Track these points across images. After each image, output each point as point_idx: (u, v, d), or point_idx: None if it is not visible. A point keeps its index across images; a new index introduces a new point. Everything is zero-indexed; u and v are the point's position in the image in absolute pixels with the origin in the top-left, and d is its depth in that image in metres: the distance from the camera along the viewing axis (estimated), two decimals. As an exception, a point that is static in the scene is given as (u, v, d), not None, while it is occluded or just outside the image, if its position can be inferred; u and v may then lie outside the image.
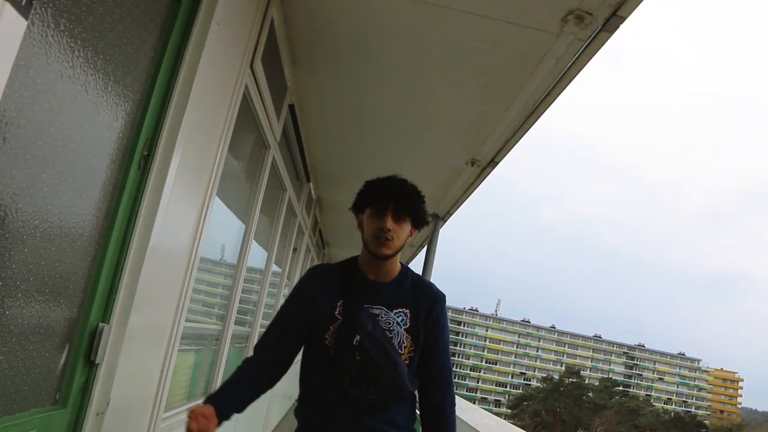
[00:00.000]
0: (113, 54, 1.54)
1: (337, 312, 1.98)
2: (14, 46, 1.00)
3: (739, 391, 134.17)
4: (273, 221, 4.72)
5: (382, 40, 3.13)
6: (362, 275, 2.06)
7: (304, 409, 2.05)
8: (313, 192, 6.55)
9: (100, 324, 1.71)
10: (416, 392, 2.08)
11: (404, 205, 1.98)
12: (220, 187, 2.68)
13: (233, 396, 1.95)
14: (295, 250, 6.63)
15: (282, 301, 5.87)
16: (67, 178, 1.45)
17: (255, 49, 2.56)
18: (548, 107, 3.50)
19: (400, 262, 2.12)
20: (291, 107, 3.77)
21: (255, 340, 4.85)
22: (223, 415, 1.84)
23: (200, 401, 2.89)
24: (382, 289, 2.03)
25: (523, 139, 4.21)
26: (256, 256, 4.53)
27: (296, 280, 7.11)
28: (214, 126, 2.29)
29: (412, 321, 2.02)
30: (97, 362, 1.71)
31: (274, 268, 5.43)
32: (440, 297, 2.10)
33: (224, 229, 3.36)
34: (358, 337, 1.93)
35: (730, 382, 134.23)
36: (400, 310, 2.02)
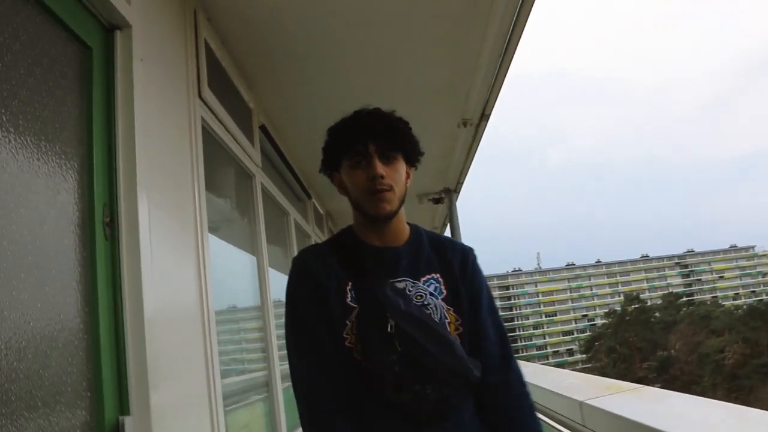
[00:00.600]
0: (35, 113, 1.35)
1: (349, 299, 1.46)
2: None
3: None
4: (286, 248, 4.53)
5: (326, 30, 2.93)
6: (365, 244, 1.56)
7: None
8: (319, 207, 6.36)
9: (120, 418, 1.52)
10: None
11: (389, 138, 1.51)
12: (217, 229, 2.50)
13: None
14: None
15: None
16: (26, 273, 1.26)
17: (198, 78, 2.37)
18: (518, 41, 3.27)
19: (409, 222, 1.63)
20: (263, 129, 3.58)
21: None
22: None
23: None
24: (397, 255, 1.53)
25: (508, 87, 4.00)
26: (280, 287, 4.34)
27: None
28: (179, 167, 2.10)
29: (448, 287, 1.52)
30: (129, 459, 1.52)
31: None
32: (468, 250, 1.64)
33: (236, 270, 3.17)
34: (391, 322, 1.41)
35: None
36: (428, 277, 1.52)
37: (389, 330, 1.41)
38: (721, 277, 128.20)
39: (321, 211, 6.54)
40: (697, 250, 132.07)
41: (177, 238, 2.00)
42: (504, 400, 1.52)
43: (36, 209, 1.35)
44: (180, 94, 2.19)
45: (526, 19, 2.92)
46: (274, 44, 3.00)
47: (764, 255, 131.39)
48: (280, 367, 3.54)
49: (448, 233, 6.78)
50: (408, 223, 1.62)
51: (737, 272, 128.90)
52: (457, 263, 1.57)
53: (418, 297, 1.49)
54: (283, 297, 4.52)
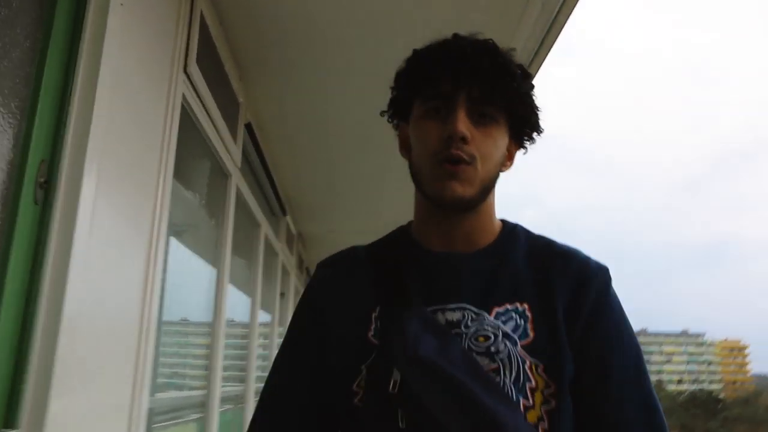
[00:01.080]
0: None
1: (371, 333, 0.97)
2: None
3: (747, 358, 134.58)
4: (251, 264, 4.17)
5: (332, 28, 2.65)
6: (419, 247, 1.04)
7: None
8: (292, 227, 6.01)
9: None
10: None
11: (496, 87, 0.96)
12: (179, 228, 2.16)
13: None
14: (282, 294, 6.06)
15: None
16: None
17: (187, 50, 2.06)
18: (540, 65, 3.05)
19: (502, 220, 1.08)
20: (248, 127, 3.26)
21: (251, 399, 4.25)
22: None
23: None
24: (458, 267, 1.00)
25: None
26: (238, 304, 3.97)
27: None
28: (146, 143, 1.77)
29: (539, 327, 0.94)
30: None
31: (263, 317, 4.86)
32: (597, 270, 1.01)
33: (192, 278, 2.81)
34: (396, 377, 0.90)
35: (737, 350, 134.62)
36: (507, 307, 0.95)
37: (390, 390, 0.90)
38: (669, 360, 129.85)
39: (293, 231, 6.19)
40: (650, 330, 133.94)
41: (128, 225, 1.66)
42: None
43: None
44: (162, 61, 1.87)
45: (556, 39, 2.69)
46: (275, 36, 2.70)
47: (712, 344, 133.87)
48: (222, 388, 3.15)
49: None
50: (504, 222, 1.08)
51: (685, 357, 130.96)
52: (567, 288, 0.97)
53: (481, 339, 0.92)
54: (239, 317, 4.08)
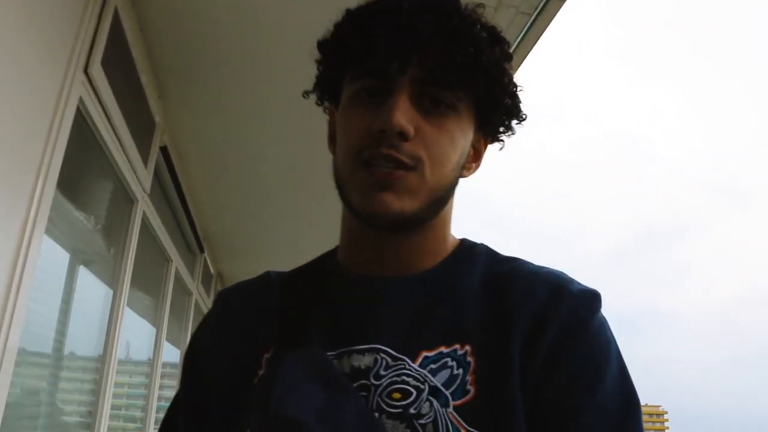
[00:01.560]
0: None
1: (257, 379, 0.75)
2: None
3: (665, 423, 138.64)
4: (159, 301, 3.80)
5: (270, 51, 2.47)
6: (340, 270, 0.81)
7: None
8: (210, 266, 5.65)
9: None
10: None
11: (451, 58, 0.68)
12: (72, 249, 1.87)
13: None
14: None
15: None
16: None
17: (91, 47, 1.81)
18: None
19: (462, 239, 0.83)
20: (164, 150, 2.99)
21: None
22: None
23: None
24: (383, 296, 0.75)
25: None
26: (137, 342, 3.60)
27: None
28: (20, 146, 1.49)
29: (481, 380, 0.67)
30: None
31: (170, 357, 4.46)
32: (579, 294, 0.72)
33: (82, 308, 2.47)
34: None
35: (656, 416, 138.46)
36: (440, 351, 0.69)
37: None
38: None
39: (212, 271, 5.82)
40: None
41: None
42: None
43: None
44: (55, 54, 1.62)
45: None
46: (204, 53, 2.49)
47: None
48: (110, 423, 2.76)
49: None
50: (463, 241, 0.82)
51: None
52: (526, 318, 0.69)
53: (396, 395, 0.66)
54: (138, 355, 3.69)
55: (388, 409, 0.65)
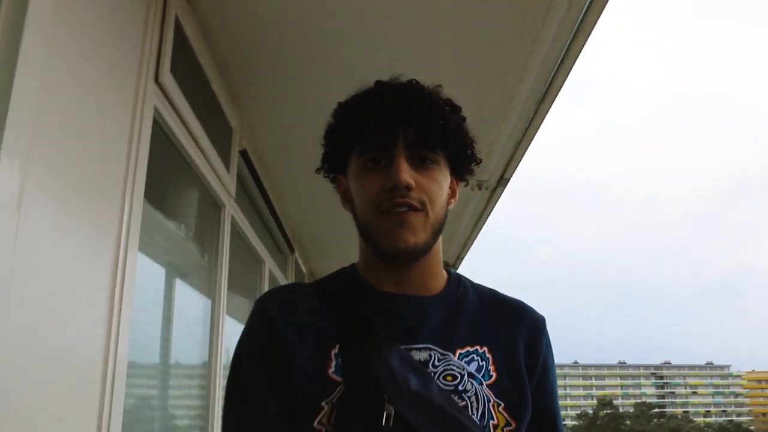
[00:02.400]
0: None
1: (331, 370, 0.95)
2: None
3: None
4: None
5: (340, 46, 2.40)
6: (371, 288, 1.05)
7: None
8: (302, 265, 5.70)
9: None
10: None
11: (430, 129, 0.99)
12: (163, 259, 1.88)
13: None
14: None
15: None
16: None
17: (158, 58, 1.79)
18: (560, 88, 2.76)
19: (447, 268, 1.11)
20: (244, 154, 2.99)
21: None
22: None
23: None
24: (421, 309, 1.02)
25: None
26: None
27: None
28: (102, 151, 1.48)
29: (501, 370, 1.00)
30: None
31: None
32: (541, 321, 1.11)
33: (184, 318, 2.50)
34: (389, 410, 0.90)
35: (765, 382, 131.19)
36: (470, 349, 1.00)
37: (384, 423, 0.89)
38: (694, 392, 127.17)
39: (303, 270, 5.89)
40: (673, 362, 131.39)
41: (78, 254, 1.37)
42: None
43: None
44: (127, 67, 1.61)
45: (579, 52, 2.41)
46: (271, 55, 2.44)
47: (738, 375, 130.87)
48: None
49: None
50: (447, 270, 1.11)
51: (710, 389, 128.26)
52: (523, 337, 1.05)
53: (449, 378, 0.96)
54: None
55: (446, 386, 0.95)
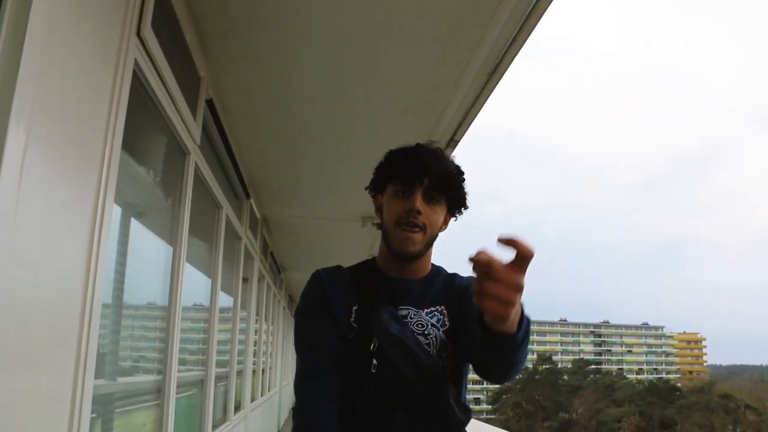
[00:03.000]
0: None
1: (352, 319, 1.55)
2: None
3: (703, 350, 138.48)
4: (212, 245, 4.01)
5: (306, 5, 2.52)
6: (383, 274, 1.63)
7: None
8: (256, 210, 5.85)
9: None
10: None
11: (440, 180, 1.54)
12: (129, 205, 2.02)
13: None
14: (245, 280, 5.90)
15: (242, 334, 5.02)
16: None
17: (141, 11, 1.91)
18: (511, 62, 2.95)
19: (433, 263, 1.69)
20: (210, 104, 3.10)
21: (212, 383, 4.10)
22: None
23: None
24: (409, 287, 1.61)
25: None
26: (197, 287, 3.82)
27: (252, 310, 6.38)
28: (90, 102, 1.62)
29: (452, 320, 1.57)
30: None
31: (224, 299, 4.71)
32: (470, 280, 1.56)
33: (144, 259, 2.66)
34: (375, 342, 1.48)
35: (693, 343, 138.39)
36: (433, 308, 1.58)
37: (371, 349, 1.49)
38: (629, 351, 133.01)
39: (257, 215, 6.03)
40: (612, 322, 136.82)
41: (67, 194, 1.51)
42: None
43: None
44: (111, 21, 1.72)
45: (532, 29, 2.59)
46: (242, 6, 2.56)
47: (671, 336, 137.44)
48: (178, 374, 3.00)
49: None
50: (433, 265, 1.69)
51: (644, 348, 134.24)
52: (459, 294, 1.60)
53: (419, 326, 1.56)
54: (197, 300, 3.94)
55: (417, 331, 1.54)
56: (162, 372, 2.83)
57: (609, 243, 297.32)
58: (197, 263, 3.74)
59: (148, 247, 2.70)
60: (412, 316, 1.55)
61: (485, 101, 3.34)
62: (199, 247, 3.75)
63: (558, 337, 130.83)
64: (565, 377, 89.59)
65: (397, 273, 1.62)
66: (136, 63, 1.91)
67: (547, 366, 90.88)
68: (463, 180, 1.60)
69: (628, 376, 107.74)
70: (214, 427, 4.23)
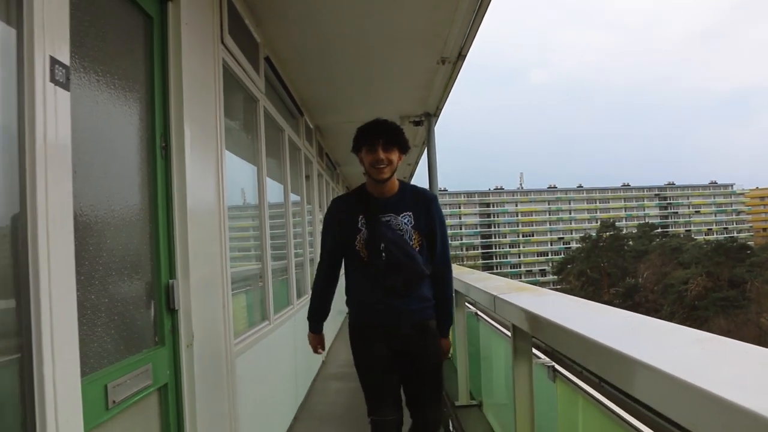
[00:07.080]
0: (116, 73, 1.99)
1: (359, 224, 2.77)
2: (67, 111, 1.47)
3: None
4: (280, 160, 5.22)
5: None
6: (371, 195, 2.81)
7: (352, 299, 2.92)
8: (309, 122, 6.99)
9: (170, 280, 2.26)
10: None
11: (390, 138, 2.71)
12: (229, 144, 3.17)
13: (323, 314, 3.04)
14: (307, 177, 7.15)
15: (310, 226, 6.40)
16: (111, 179, 1.95)
17: (221, 27, 2.96)
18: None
19: (398, 179, 2.84)
20: (267, 60, 4.18)
21: (293, 269, 5.47)
22: (321, 330, 3.07)
23: (261, 326, 3.54)
24: (388, 202, 2.78)
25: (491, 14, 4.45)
26: (275, 192, 5.07)
27: (315, 202, 7.70)
28: (207, 101, 2.74)
29: (415, 219, 2.77)
30: (176, 309, 2.27)
31: (293, 197, 5.98)
32: (433, 198, 2.88)
33: (241, 177, 3.88)
34: (383, 244, 2.70)
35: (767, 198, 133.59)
36: (405, 213, 2.77)
37: (381, 248, 2.72)
38: (697, 211, 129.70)
39: (311, 126, 7.17)
40: (677, 183, 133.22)
41: (206, 154, 2.68)
42: (438, 276, 2.87)
43: (119, 136, 2.02)
44: (209, 44, 2.80)
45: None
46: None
47: (741, 193, 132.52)
48: (272, 263, 4.31)
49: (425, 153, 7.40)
50: (399, 181, 2.84)
51: (713, 208, 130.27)
52: (423, 205, 2.81)
53: (397, 225, 2.75)
54: (275, 200, 5.36)
55: (395, 229, 2.80)
56: (261, 261, 4.13)
57: (668, 101, 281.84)
58: (273, 175, 4.96)
59: (243, 170, 3.90)
60: (393, 220, 2.77)
61: (480, 24, 4.19)
62: (272, 163, 4.95)
63: (622, 203, 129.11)
64: (630, 243, 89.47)
65: (379, 194, 2.81)
66: (224, 61, 2.99)
67: (611, 233, 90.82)
68: (403, 133, 2.77)
69: (696, 237, 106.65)
70: (298, 297, 5.64)
